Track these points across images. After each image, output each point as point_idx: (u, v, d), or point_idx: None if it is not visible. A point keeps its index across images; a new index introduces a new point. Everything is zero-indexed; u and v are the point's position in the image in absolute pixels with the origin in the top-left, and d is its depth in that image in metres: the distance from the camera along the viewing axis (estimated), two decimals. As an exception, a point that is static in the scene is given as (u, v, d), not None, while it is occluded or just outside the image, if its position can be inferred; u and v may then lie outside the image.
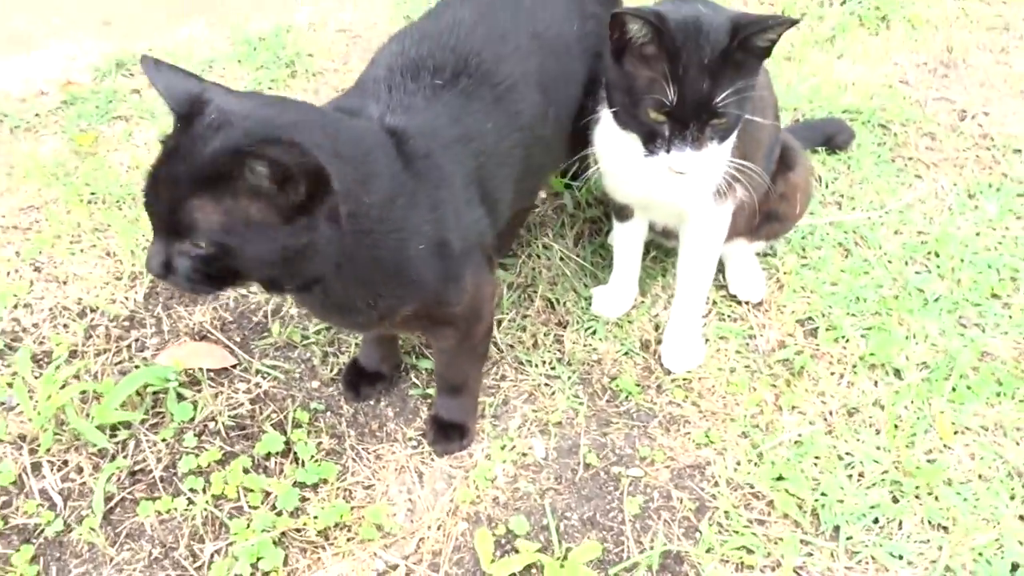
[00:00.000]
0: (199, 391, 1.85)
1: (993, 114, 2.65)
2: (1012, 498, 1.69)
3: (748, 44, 1.48)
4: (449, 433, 1.79)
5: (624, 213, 1.94)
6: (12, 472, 1.72)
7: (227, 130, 1.20)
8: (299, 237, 1.24)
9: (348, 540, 1.65)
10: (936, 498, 1.69)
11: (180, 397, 1.83)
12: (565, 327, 2.04)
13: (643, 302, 2.09)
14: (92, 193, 2.25)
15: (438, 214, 1.43)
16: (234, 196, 1.20)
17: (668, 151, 1.53)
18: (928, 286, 2.09)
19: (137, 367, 1.88)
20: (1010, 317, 2.03)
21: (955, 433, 1.80)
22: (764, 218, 1.99)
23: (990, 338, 1.98)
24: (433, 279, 1.46)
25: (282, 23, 2.86)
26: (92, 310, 2.00)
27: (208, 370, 1.89)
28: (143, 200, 1.28)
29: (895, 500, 1.69)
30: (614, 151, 1.69)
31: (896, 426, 1.81)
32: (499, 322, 2.02)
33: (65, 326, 1.96)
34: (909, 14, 3.05)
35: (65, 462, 1.74)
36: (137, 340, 1.95)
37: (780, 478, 1.73)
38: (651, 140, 1.55)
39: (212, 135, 1.20)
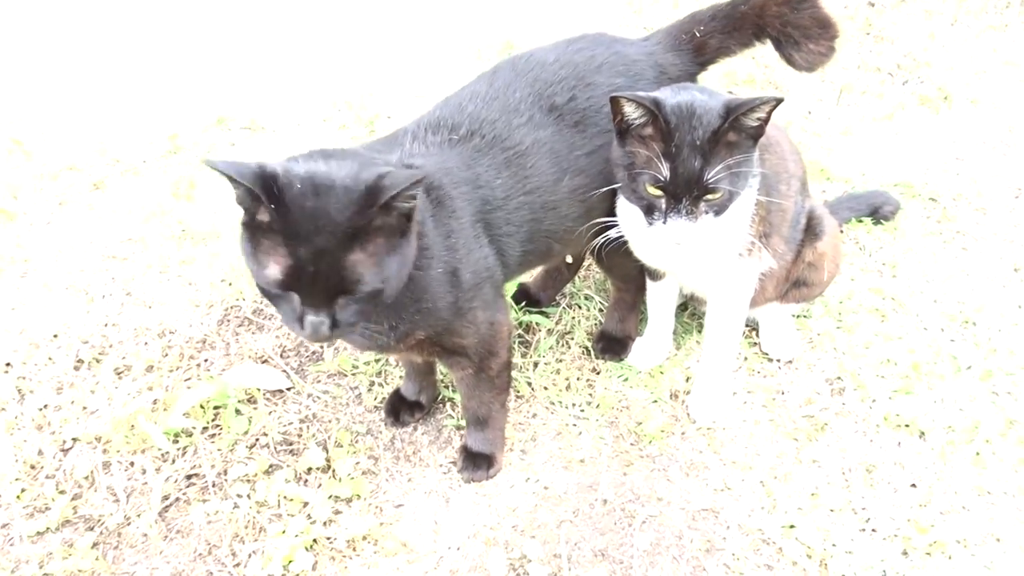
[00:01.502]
0: (255, 408, 2.03)
1: (1049, 193, 2.66)
2: (1027, 563, 1.68)
3: (739, 124, 1.60)
4: (478, 462, 1.91)
5: (655, 274, 2.05)
6: (86, 468, 1.92)
7: (339, 192, 1.32)
8: (410, 251, 1.44)
9: (375, 552, 1.78)
10: (949, 557, 1.70)
11: (238, 412, 2.01)
12: (599, 374, 2.15)
13: (676, 355, 2.18)
14: (183, 230, 2.51)
15: (450, 242, 1.59)
16: (374, 238, 1.36)
17: (664, 222, 1.65)
18: (962, 353, 2.11)
19: (200, 380, 2.08)
20: (1045, 388, 2.03)
21: (977, 496, 1.80)
22: (793, 284, 2.07)
23: (1021, 407, 1.98)
24: (444, 308, 1.61)
25: (366, 88, 3.13)
26: (171, 332, 2.22)
27: (265, 391, 2.07)
28: (280, 290, 1.37)
29: (905, 554, 1.70)
30: (630, 221, 1.80)
31: (914, 485, 1.83)
32: (535, 364, 2.14)
33: (146, 344, 2.18)
34: (972, 94, 3.10)
35: (132, 463, 1.93)
36: (207, 360, 2.16)
37: (792, 526, 1.77)
38: (650, 212, 1.67)
39: (326, 200, 1.31)
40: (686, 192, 1.61)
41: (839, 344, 2.16)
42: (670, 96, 1.62)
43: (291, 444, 1.98)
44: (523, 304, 2.25)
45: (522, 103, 1.72)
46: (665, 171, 1.60)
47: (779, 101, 1.58)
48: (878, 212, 2.52)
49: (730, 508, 1.83)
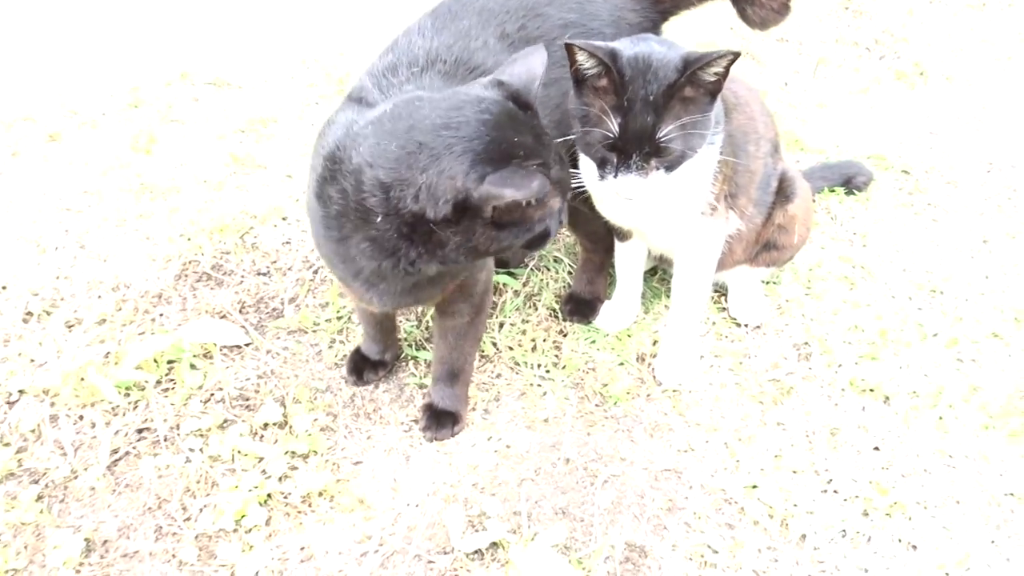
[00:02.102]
0: (211, 363, 1.98)
1: (1020, 167, 2.66)
2: (986, 524, 1.68)
3: (696, 79, 1.56)
4: (442, 420, 1.87)
5: (623, 234, 2.01)
6: (33, 422, 1.85)
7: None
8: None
9: (331, 508, 1.74)
10: (909, 518, 1.69)
11: (192, 367, 1.96)
12: (565, 336, 2.11)
13: (644, 318, 2.15)
14: (141, 184, 2.43)
15: None
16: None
17: (615, 176, 1.61)
18: (929, 321, 2.10)
19: (154, 335, 2.02)
20: (1009, 356, 2.02)
21: (938, 460, 1.80)
22: (763, 247, 2.04)
23: (985, 374, 1.98)
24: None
25: (336, 46, 3.06)
26: (126, 286, 2.16)
27: (222, 346, 2.02)
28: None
29: (865, 514, 1.69)
30: (586, 173, 1.76)
31: (877, 448, 1.82)
32: (500, 325, 2.11)
33: (99, 297, 2.12)
34: (948, 71, 3.09)
35: (81, 416, 1.87)
36: (162, 314, 2.10)
37: (754, 486, 1.76)
38: (602, 166, 1.63)
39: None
40: (636, 148, 1.57)
41: (807, 310, 2.14)
42: (627, 47, 1.58)
43: (247, 400, 1.92)
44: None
45: (472, 29, 1.68)
46: (615, 127, 1.56)
47: (736, 55, 1.53)
48: (851, 182, 2.50)
49: (693, 469, 1.80)
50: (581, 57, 1.56)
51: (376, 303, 1.63)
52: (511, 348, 2.06)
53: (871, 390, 1.94)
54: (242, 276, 2.20)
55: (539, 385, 1.99)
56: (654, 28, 1.85)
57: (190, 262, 2.23)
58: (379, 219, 1.42)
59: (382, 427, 1.90)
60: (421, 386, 1.98)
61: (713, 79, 1.57)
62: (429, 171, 1.36)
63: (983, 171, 2.65)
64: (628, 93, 1.55)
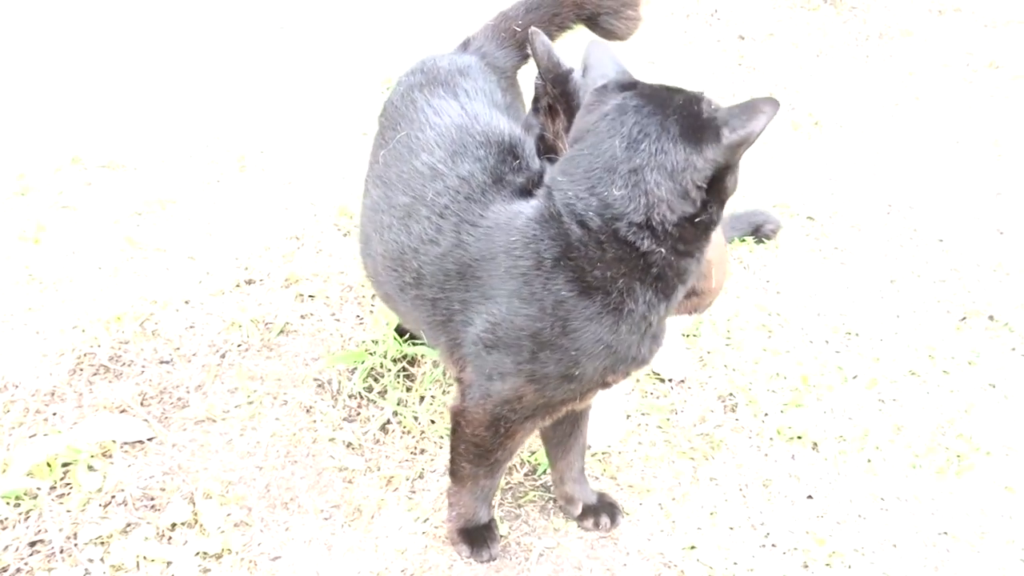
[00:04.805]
0: (111, 462, 1.84)
1: (917, 207, 2.75)
2: (925, 566, 1.66)
3: None
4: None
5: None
6: (-91, 543, 1.68)
7: None
8: None
9: (247, 612, 1.61)
10: (849, 567, 1.67)
11: (90, 468, 1.81)
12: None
13: (568, 380, 2.11)
14: (30, 275, 2.29)
15: None
16: None
17: None
18: (847, 364, 2.12)
19: (46, 436, 1.86)
20: (927, 393, 2.05)
21: (871, 503, 1.79)
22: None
23: (907, 413, 1.99)
24: None
25: (234, 121, 2.99)
26: (14, 385, 2.00)
27: (122, 443, 1.88)
28: None
29: (805, 566, 1.66)
30: None
31: (810, 496, 1.80)
32: (421, 398, 2.03)
33: (-15, 400, 1.96)
34: (840, 120, 3.21)
35: (-35, 533, 1.71)
36: (56, 413, 1.95)
37: (692, 547, 1.71)
38: None
39: None
40: None
41: (729, 361, 2.14)
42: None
43: (152, 500, 1.78)
44: (406, 337, 2.14)
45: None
46: None
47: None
48: (760, 231, 2.54)
49: (629, 534, 1.75)
50: None
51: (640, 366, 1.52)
52: (433, 422, 1.99)
53: (799, 437, 1.94)
54: (143, 366, 2.07)
55: (465, 458, 1.91)
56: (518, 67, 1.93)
57: (85, 355, 2.09)
58: (654, 251, 1.38)
59: (301, 516, 1.79)
60: (340, 469, 1.87)
61: None
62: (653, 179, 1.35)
63: (883, 213, 2.74)
64: None
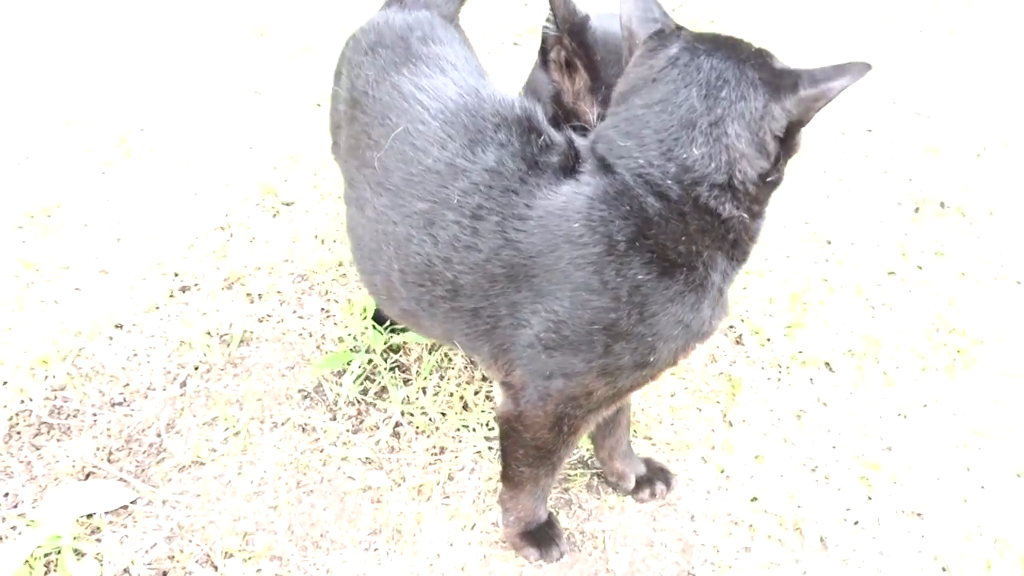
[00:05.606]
0: (100, 540, 1.57)
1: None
2: (968, 470, 1.73)
3: None
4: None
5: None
6: None
7: None
8: None
9: (318, 676, 1.45)
10: (900, 485, 1.71)
11: (78, 553, 1.54)
12: (489, 380, 1.91)
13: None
14: (-88, 328, 1.89)
15: None
16: None
17: None
18: (830, 275, 2.13)
19: (14, 529, 1.57)
20: (910, 292, 2.10)
21: (900, 415, 1.83)
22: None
23: (900, 316, 2.04)
24: None
25: (108, 101, 2.55)
26: (-60, 469, 1.66)
27: (103, 512, 1.61)
28: None
29: (869, 499, 1.68)
30: None
31: (841, 420, 1.81)
32: (424, 390, 1.86)
33: (-91, 496, 1.61)
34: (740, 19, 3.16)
35: (-54, 666, 1.42)
36: (7, 495, 1.63)
37: (754, 499, 1.68)
38: None
39: None
40: None
41: (719, 291, 2.09)
42: None
43: (165, 574, 1.55)
44: (386, 324, 1.95)
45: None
46: None
47: None
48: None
49: (686, 496, 1.70)
50: None
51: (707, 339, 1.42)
52: (444, 415, 1.83)
53: (812, 361, 1.93)
54: (93, 414, 1.77)
55: (490, 448, 1.78)
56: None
57: (17, 413, 1.76)
58: (734, 216, 1.28)
59: (338, 552, 1.61)
60: (364, 489, 1.70)
61: None
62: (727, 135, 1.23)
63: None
64: None
